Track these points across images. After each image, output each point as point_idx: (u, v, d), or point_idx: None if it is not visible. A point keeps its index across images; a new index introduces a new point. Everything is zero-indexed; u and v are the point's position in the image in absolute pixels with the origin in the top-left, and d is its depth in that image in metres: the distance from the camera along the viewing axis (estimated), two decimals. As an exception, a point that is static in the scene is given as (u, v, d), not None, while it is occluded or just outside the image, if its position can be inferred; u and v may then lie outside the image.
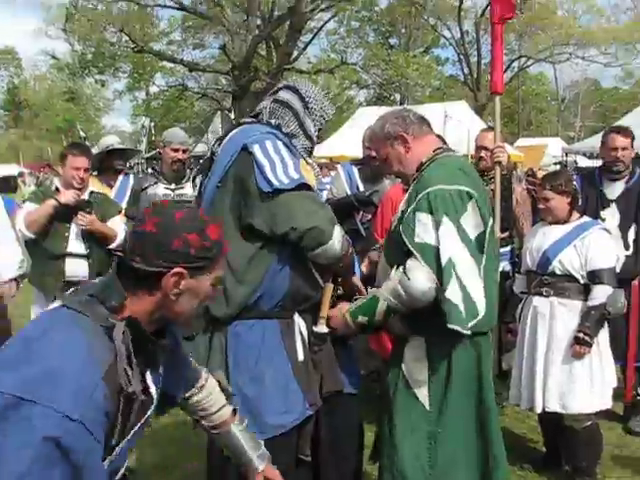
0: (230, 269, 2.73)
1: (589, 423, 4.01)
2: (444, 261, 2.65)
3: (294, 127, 2.96)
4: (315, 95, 3.00)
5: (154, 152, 27.15)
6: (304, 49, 32.02)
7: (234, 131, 3.04)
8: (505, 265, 4.99)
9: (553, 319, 4.03)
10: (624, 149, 4.87)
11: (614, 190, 4.93)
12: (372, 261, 3.63)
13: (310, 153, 3.07)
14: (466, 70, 39.95)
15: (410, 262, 2.70)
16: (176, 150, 5.18)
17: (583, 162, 22.62)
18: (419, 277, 2.66)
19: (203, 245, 1.76)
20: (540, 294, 4.10)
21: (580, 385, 3.95)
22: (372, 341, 4.77)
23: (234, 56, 24.56)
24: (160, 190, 5.18)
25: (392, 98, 42.74)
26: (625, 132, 4.95)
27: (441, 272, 2.65)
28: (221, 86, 31.18)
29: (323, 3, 25.48)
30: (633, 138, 4.93)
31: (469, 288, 2.68)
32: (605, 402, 4.04)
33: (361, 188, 5.32)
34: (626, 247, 4.74)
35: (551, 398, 3.98)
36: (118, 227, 4.73)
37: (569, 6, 44.64)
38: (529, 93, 49.72)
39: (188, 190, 5.16)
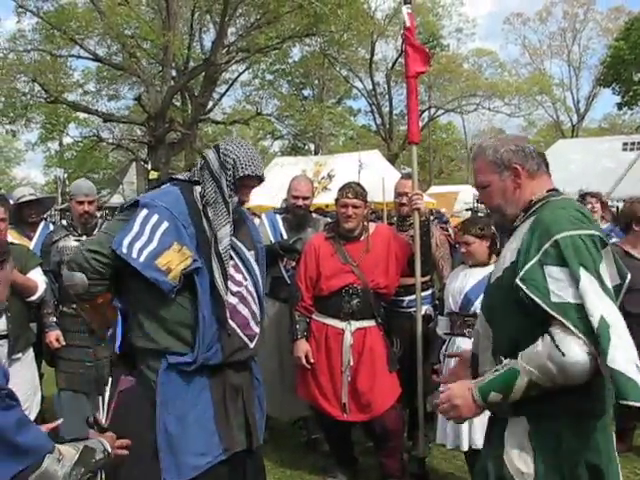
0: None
1: (513, 459, 4.12)
2: (596, 322, 2.14)
3: (210, 184, 3.03)
4: (232, 148, 3.05)
5: (67, 204, 26.63)
6: (219, 100, 32.30)
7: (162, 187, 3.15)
8: (427, 308, 5.13)
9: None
10: None
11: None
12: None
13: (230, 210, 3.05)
14: (378, 120, 40.94)
15: (557, 330, 2.19)
16: (81, 202, 5.12)
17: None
18: (574, 349, 2.16)
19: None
20: (463, 335, 4.24)
21: (504, 422, 4.06)
22: (299, 388, 4.81)
23: (149, 107, 24.52)
24: (71, 242, 5.11)
25: (307, 148, 43.34)
26: None
27: (596, 336, 2.13)
28: (136, 137, 30.94)
29: (237, 55, 25.81)
30: None
31: (631, 351, 2.17)
32: (528, 438, 4.17)
33: (285, 236, 5.41)
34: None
35: (477, 435, 4.08)
36: (38, 279, 4.68)
37: (474, 60, 46.74)
38: (439, 142, 51.21)
39: None
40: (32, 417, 3.99)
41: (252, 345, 3.08)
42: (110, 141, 30.94)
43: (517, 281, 2.28)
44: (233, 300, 3.03)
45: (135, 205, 2.94)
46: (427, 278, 5.16)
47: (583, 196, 6.80)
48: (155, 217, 2.87)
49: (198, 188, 3.04)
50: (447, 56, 42.70)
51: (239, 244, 3.14)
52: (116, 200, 24.79)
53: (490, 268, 4.21)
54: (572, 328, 2.16)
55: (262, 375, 3.34)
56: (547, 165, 2.61)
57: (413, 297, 4.88)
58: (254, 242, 3.29)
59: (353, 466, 5.04)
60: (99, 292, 2.97)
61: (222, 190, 2.98)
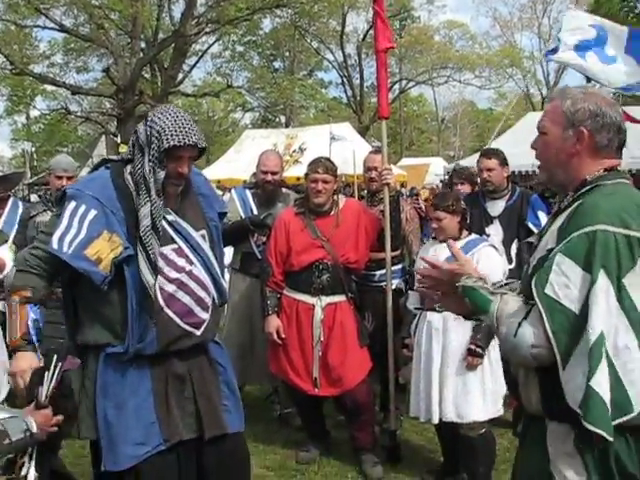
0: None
1: (483, 431, 4.19)
2: (593, 337, 1.91)
3: (139, 160, 2.87)
4: (157, 119, 2.82)
5: (36, 178, 26.27)
6: (189, 72, 31.89)
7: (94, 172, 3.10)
8: (398, 282, 5.15)
9: (447, 333, 4.18)
10: (490, 170, 5.17)
11: (496, 208, 5.21)
12: None
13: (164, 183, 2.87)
14: (349, 92, 40.76)
15: (535, 317, 2.02)
16: (60, 177, 5.06)
17: (464, 180, 23.33)
18: (526, 335, 2.02)
19: None
20: (434, 309, 4.25)
21: (474, 395, 4.13)
22: (271, 363, 4.83)
23: (118, 79, 24.16)
24: (48, 218, 5.05)
25: (277, 120, 43.13)
26: (489, 155, 5.30)
27: (589, 354, 1.92)
28: (105, 109, 30.46)
29: (207, 27, 25.48)
30: (503, 160, 5.22)
31: (625, 380, 1.96)
32: (497, 409, 4.24)
33: (255, 211, 5.39)
34: (509, 261, 4.99)
35: (447, 409, 4.13)
36: (5, 256, 4.61)
37: (445, 32, 46.66)
38: (410, 114, 51.21)
39: None
40: (3, 395, 3.94)
41: (199, 332, 2.96)
42: (79, 114, 30.46)
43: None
44: (170, 288, 2.90)
45: (63, 198, 2.86)
46: (397, 252, 5.17)
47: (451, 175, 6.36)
48: (82, 207, 2.78)
49: (127, 173, 2.90)
50: (418, 28, 42.64)
51: (184, 225, 2.97)
52: (85, 173, 24.50)
53: (460, 243, 4.25)
54: (548, 328, 1.97)
55: (231, 355, 3.29)
56: (621, 147, 2.23)
57: (384, 271, 4.90)
58: (206, 220, 3.11)
59: (325, 440, 5.08)
60: (44, 290, 2.91)
61: (143, 164, 2.82)
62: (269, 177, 5.39)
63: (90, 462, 3.11)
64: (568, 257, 2.00)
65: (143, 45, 26.70)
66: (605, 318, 1.93)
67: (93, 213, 2.77)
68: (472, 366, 4.12)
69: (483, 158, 5.28)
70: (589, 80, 5.50)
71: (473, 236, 4.37)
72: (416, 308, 4.46)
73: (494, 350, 4.25)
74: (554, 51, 5.67)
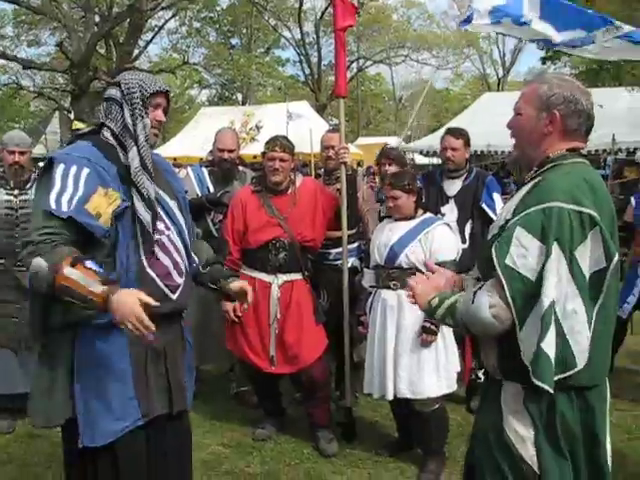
0: None
1: (437, 406, 4.27)
2: (546, 304, 2.14)
3: (119, 117, 2.90)
4: (131, 76, 2.94)
5: (-5, 154, 25.60)
6: (145, 48, 31.37)
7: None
8: (353, 260, 5.19)
9: (401, 311, 4.23)
10: (454, 149, 5.16)
11: (453, 187, 5.24)
12: None
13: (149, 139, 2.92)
14: (307, 70, 40.58)
15: (491, 286, 2.27)
16: (12, 152, 4.96)
17: (420, 160, 23.51)
18: (483, 299, 2.25)
19: None
20: (388, 287, 4.31)
21: (428, 371, 4.19)
22: (228, 341, 4.84)
23: (72, 54, 23.59)
24: (2, 196, 4.97)
25: (234, 98, 42.77)
26: (456, 134, 5.24)
27: (541, 319, 2.15)
28: (58, 85, 29.86)
29: (164, 1, 25.05)
30: (467, 140, 5.23)
31: (572, 340, 2.21)
32: (450, 385, 4.31)
33: (212, 189, 5.37)
34: (463, 241, 5.03)
35: (402, 385, 4.20)
36: None
37: (403, 11, 46.66)
38: (368, 93, 51.20)
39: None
40: None
41: (174, 297, 2.97)
42: (31, 89, 29.81)
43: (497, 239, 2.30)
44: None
45: (50, 165, 2.82)
46: (354, 231, 5.20)
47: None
48: (74, 167, 2.74)
49: (106, 133, 2.92)
50: (376, 6, 42.41)
51: (160, 192, 3.00)
52: (39, 151, 24.04)
53: (415, 221, 4.30)
54: (508, 295, 2.19)
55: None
56: (588, 132, 2.43)
57: (340, 250, 4.93)
58: (175, 192, 3.14)
59: (281, 417, 5.12)
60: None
61: (124, 117, 2.88)
62: (225, 155, 5.38)
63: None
64: (526, 230, 2.20)
65: (97, 19, 26.11)
66: (557, 286, 2.15)
67: (86, 171, 2.74)
68: (426, 343, 4.18)
69: (450, 137, 5.22)
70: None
71: (428, 215, 4.41)
72: (371, 286, 4.50)
73: (447, 327, 4.33)
74: (468, 19, 5.39)
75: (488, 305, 2.22)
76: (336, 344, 4.94)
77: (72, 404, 2.78)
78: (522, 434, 2.31)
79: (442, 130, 6.21)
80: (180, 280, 3.02)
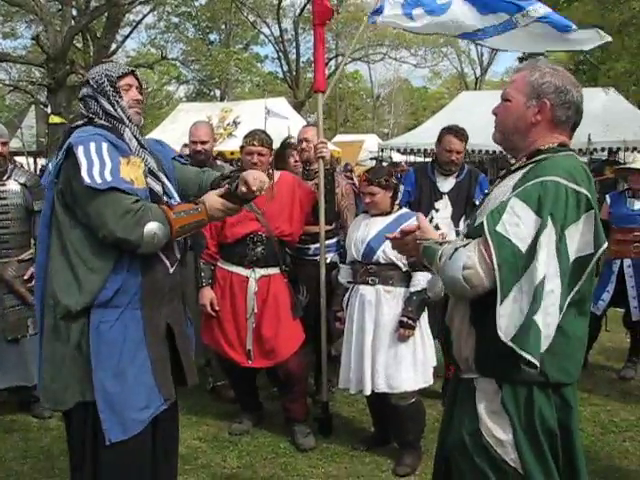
0: (80, 258, 2.76)
1: (413, 400, 4.29)
2: (539, 277, 2.06)
3: (102, 109, 2.95)
4: (96, 70, 3.02)
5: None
6: (122, 42, 31.26)
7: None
8: (333, 256, 5.20)
9: (379, 306, 4.25)
10: (459, 153, 5.19)
11: (446, 184, 5.29)
12: None
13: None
14: (285, 67, 40.52)
15: (471, 246, 2.19)
16: None
17: (397, 157, 23.59)
18: (461, 257, 2.17)
19: None
20: (366, 283, 4.32)
21: (405, 366, 4.21)
22: (204, 335, 4.82)
23: (48, 47, 23.36)
24: None
25: (212, 94, 42.60)
26: (459, 136, 5.19)
27: (534, 292, 2.06)
28: (35, 79, 29.50)
29: (142, -4, 24.93)
30: (467, 140, 5.25)
31: (548, 321, 2.10)
32: (427, 380, 4.34)
33: (189, 183, 5.35)
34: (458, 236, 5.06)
35: (379, 379, 4.21)
36: None
37: (382, 8, 46.69)
38: (346, 91, 51.25)
39: (12, 186, 4.94)
40: None
41: (171, 270, 2.98)
42: (7, 82, 29.48)
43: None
44: None
45: (69, 151, 2.79)
46: (332, 226, 5.21)
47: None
48: (93, 144, 2.75)
49: (99, 122, 2.94)
50: (355, 4, 42.47)
51: (153, 169, 3.00)
52: (14, 145, 23.78)
53: (392, 217, 4.32)
54: (495, 261, 2.10)
55: None
56: (575, 127, 2.39)
57: (318, 245, 4.93)
58: (165, 169, 3.11)
59: (258, 411, 5.11)
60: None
61: (103, 107, 2.94)
62: (199, 147, 5.40)
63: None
64: (522, 200, 2.13)
65: (75, 13, 25.87)
66: (547, 263, 2.07)
67: (105, 146, 2.78)
68: (404, 337, 4.20)
69: (454, 138, 5.16)
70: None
71: (404, 210, 4.44)
72: (348, 282, 4.52)
73: (425, 322, 4.36)
74: (379, 10, 4.95)
75: (462, 266, 2.15)
76: (314, 339, 4.95)
77: (80, 389, 2.79)
78: (501, 438, 2.23)
79: (419, 129, 6.23)
80: (177, 255, 3.04)
